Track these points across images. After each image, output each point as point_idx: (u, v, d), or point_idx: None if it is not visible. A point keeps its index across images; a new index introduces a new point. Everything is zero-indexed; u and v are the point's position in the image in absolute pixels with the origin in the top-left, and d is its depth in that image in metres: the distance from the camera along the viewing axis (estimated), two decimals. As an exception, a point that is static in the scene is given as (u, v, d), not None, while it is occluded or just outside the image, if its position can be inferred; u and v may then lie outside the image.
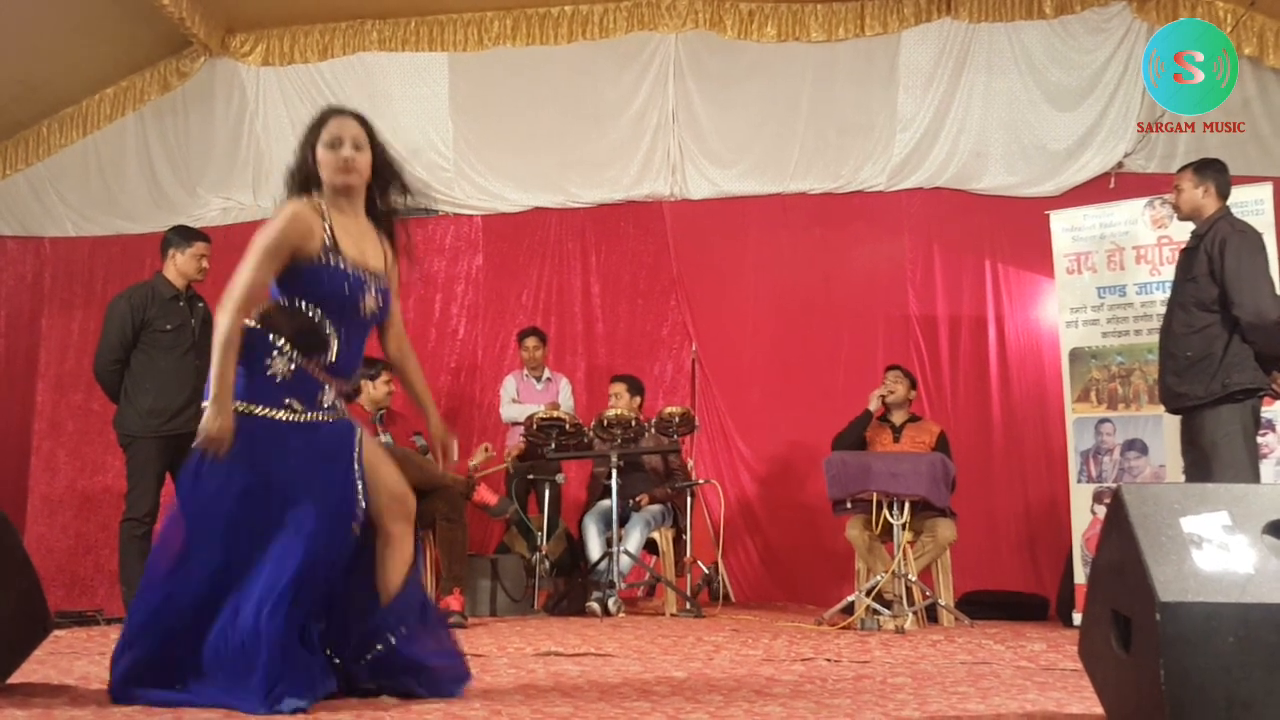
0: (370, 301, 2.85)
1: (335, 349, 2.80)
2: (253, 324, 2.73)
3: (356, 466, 2.77)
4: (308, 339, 2.77)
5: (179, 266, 5.41)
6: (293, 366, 2.74)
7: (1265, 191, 5.68)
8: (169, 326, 5.31)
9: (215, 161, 8.38)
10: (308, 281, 2.77)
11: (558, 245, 8.06)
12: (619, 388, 6.79)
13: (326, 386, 2.80)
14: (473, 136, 8.12)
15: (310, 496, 2.67)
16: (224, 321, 2.65)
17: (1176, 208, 4.84)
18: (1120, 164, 7.29)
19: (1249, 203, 5.46)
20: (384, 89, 8.21)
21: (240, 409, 2.66)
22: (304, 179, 2.89)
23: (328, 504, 2.69)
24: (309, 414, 2.75)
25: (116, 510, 5.48)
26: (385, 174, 2.99)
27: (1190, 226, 4.75)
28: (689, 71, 7.93)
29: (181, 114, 8.48)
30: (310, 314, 2.78)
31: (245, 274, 2.70)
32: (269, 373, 2.71)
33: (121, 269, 8.11)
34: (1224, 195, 4.68)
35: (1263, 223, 5.30)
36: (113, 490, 7.30)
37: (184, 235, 5.48)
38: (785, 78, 7.67)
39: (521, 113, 8.08)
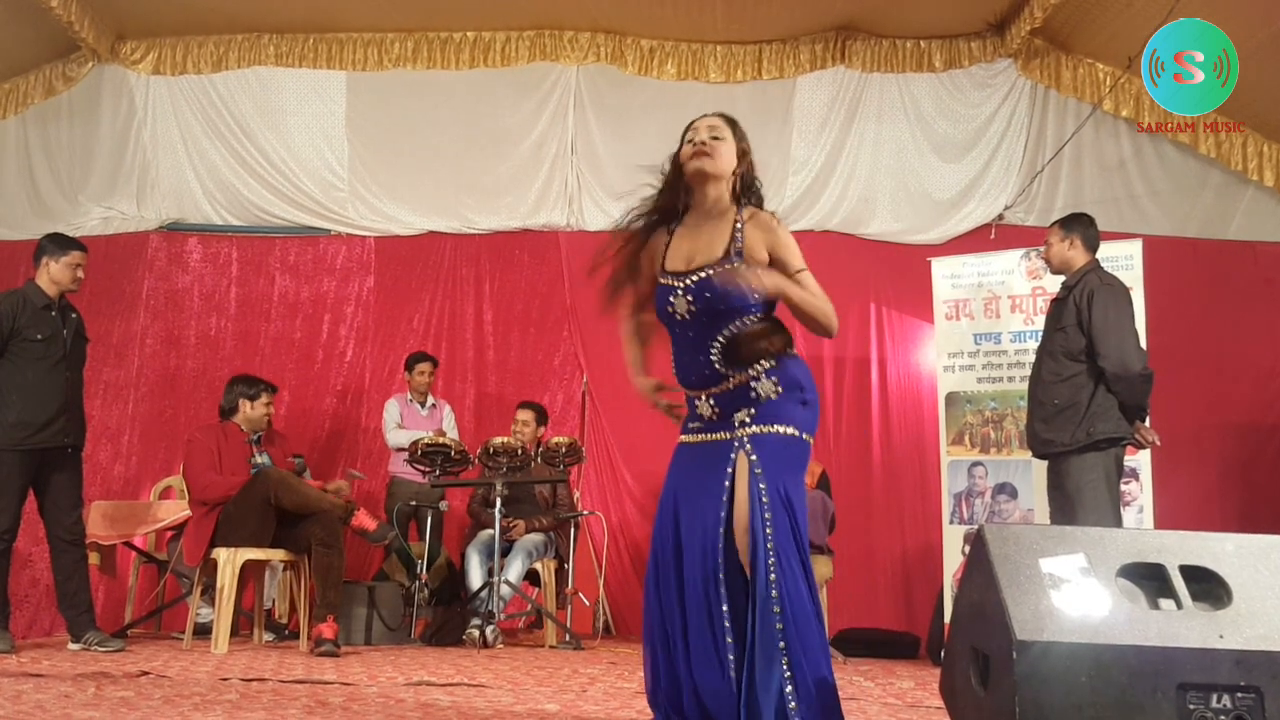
0: (679, 303, 2.70)
1: (674, 361, 2.78)
2: None
3: (727, 483, 2.62)
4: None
5: (53, 275, 5.22)
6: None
7: (1135, 247, 5.94)
8: (39, 336, 5.10)
9: (98, 170, 8.13)
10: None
11: (451, 270, 7.99)
12: (526, 415, 6.76)
13: (694, 400, 2.75)
14: (368, 157, 8.04)
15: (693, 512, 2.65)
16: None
17: (1047, 261, 5.01)
18: (1001, 215, 7.56)
19: (1119, 258, 5.70)
20: (279, 104, 8.08)
21: None
22: (673, 183, 2.84)
23: (705, 521, 2.63)
24: (702, 434, 2.72)
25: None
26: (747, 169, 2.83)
27: (1062, 279, 4.93)
28: (589, 104, 7.98)
29: (65, 120, 8.21)
30: None
31: None
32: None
33: (-6, 276, 7.79)
34: (1092, 248, 4.85)
35: (1131, 277, 5.54)
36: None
37: (59, 243, 5.29)
38: (683, 116, 7.63)
39: (419, 136, 8.03)
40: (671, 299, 2.70)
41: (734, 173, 2.76)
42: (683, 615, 2.58)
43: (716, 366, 2.66)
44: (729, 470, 2.59)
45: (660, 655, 2.64)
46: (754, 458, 2.57)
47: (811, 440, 2.69)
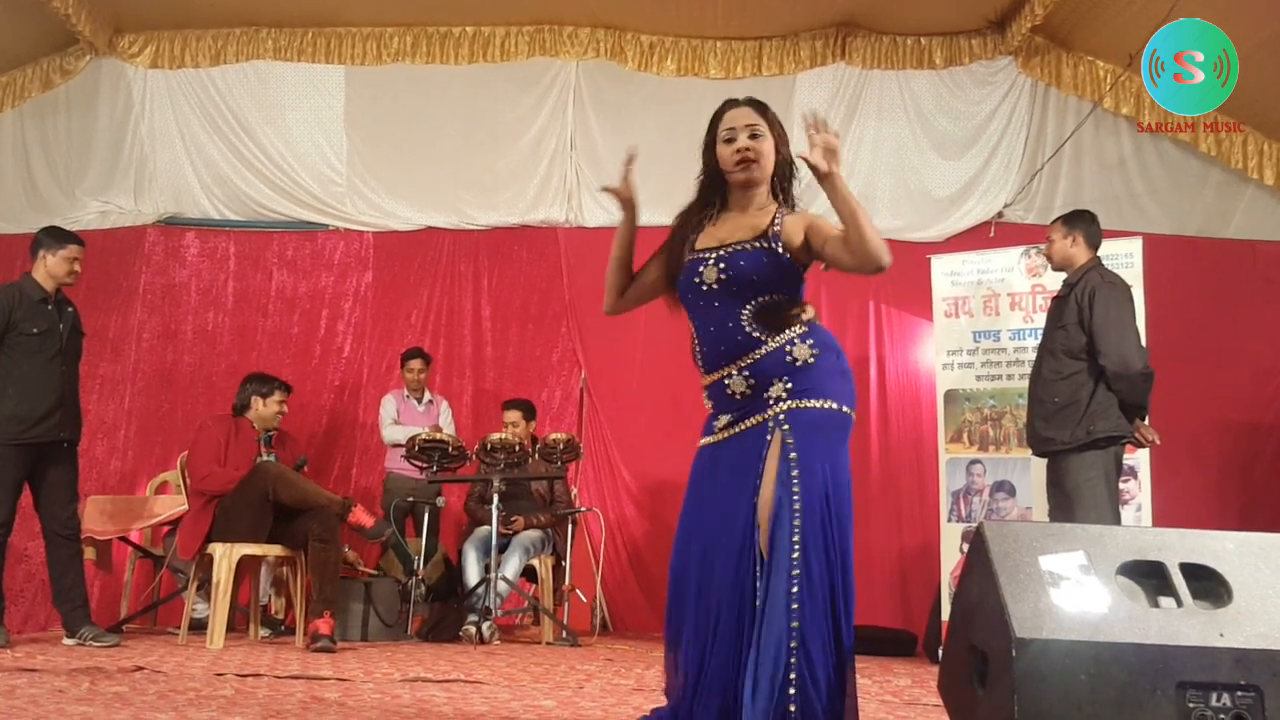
0: (709, 272, 2.57)
1: (695, 343, 2.64)
2: None
3: (756, 480, 2.47)
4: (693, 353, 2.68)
5: (49, 269, 5.20)
6: (705, 388, 2.64)
7: (1135, 245, 5.93)
8: (35, 330, 5.09)
9: (96, 164, 8.11)
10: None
11: (450, 266, 7.98)
12: (514, 415, 6.69)
13: (724, 380, 2.56)
14: (367, 152, 8.02)
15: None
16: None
17: (1049, 258, 5.00)
18: (1001, 213, 7.55)
19: (1120, 255, 5.68)
20: (277, 98, 8.06)
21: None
22: (711, 180, 2.73)
23: (732, 526, 2.49)
24: (730, 428, 2.57)
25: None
26: (784, 162, 2.71)
27: (1063, 277, 4.92)
28: (588, 100, 7.96)
29: (63, 113, 8.20)
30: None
31: None
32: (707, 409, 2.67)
33: (-10, 270, 7.77)
34: (1094, 245, 4.84)
35: (1132, 275, 5.52)
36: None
37: (56, 237, 5.28)
38: (683, 112, 7.65)
39: (418, 131, 8.01)
40: (701, 269, 2.58)
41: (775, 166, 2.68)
42: (712, 642, 2.47)
43: (749, 330, 2.53)
44: (763, 456, 2.46)
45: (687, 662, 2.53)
46: (790, 440, 2.43)
47: (853, 415, 2.52)
